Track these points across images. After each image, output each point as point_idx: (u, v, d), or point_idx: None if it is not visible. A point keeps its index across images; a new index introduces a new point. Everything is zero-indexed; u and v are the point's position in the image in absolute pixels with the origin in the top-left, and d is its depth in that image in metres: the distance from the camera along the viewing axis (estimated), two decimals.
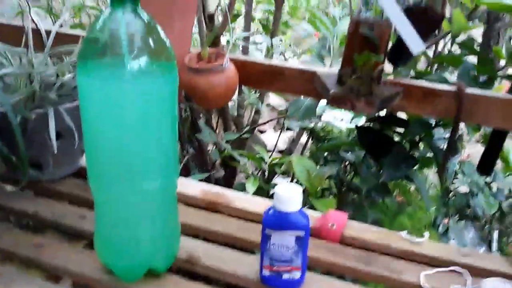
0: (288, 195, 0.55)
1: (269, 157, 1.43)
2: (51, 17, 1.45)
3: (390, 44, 0.69)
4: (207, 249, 0.67)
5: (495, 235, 1.48)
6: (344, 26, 0.84)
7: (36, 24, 0.77)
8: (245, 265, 0.64)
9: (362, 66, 0.61)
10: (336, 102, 0.61)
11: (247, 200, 0.81)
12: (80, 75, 0.50)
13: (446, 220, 1.40)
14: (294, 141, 1.74)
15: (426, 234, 0.73)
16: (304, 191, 1.18)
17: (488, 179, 1.32)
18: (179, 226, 0.64)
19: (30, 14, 0.74)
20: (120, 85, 0.49)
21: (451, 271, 0.66)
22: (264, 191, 1.29)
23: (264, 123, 1.65)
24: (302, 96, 0.88)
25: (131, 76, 0.49)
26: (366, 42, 0.63)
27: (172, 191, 0.60)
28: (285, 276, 0.59)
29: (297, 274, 0.59)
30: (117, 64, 0.49)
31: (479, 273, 0.64)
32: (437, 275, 0.65)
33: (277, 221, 0.56)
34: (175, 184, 0.59)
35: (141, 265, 0.59)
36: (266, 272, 0.59)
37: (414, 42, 0.56)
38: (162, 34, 0.51)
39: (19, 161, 0.66)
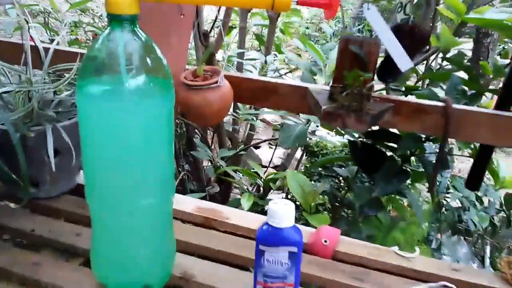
0: (282, 211, 0.56)
1: (264, 173, 1.45)
2: (47, 33, 1.47)
3: (379, 62, 0.71)
4: (202, 266, 0.68)
5: (488, 250, 1.49)
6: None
7: (34, 41, 0.79)
8: (239, 283, 0.64)
9: (352, 83, 0.63)
10: (327, 119, 0.63)
11: (241, 216, 0.82)
12: (79, 93, 0.52)
13: (439, 235, 1.41)
14: (288, 156, 1.76)
15: (417, 249, 0.75)
16: (298, 207, 1.19)
17: (480, 193, 1.34)
18: (174, 244, 0.65)
19: (29, 32, 0.75)
20: (118, 103, 0.51)
21: (442, 286, 0.67)
22: (259, 206, 1.30)
23: (261, 142, 1.67)
24: (291, 119, 0.90)
25: (129, 94, 0.50)
26: (356, 60, 0.65)
27: (168, 209, 0.61)
28: None
29: None
30: (115, 82, 0.50)
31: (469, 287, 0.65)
32: None
33: (270, 236, 0.57)
34: (171, 201, 0.61)
35: (137, 282, 0.60)
36: None
37: (402, 59, 0.58)
38: (159, 53, 0.52)
39: (19, 179, 0.66)
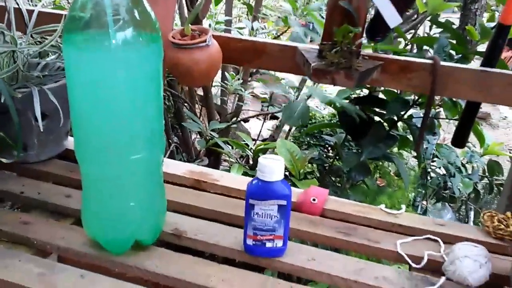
0: (271, 165, 0.57)
1: (254, 144, 1.45)
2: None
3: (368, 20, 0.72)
4: (193, 223, 0.69)
5: (471, 215, 1.53)
6: None
7: (17, 3, 0.77)
8: (230, 237, 0.66)
9: (342, 39, 0.63)
10: (317, 76, 0.63)
11: (232, 178, 0.83)
12: (66, 47, 0.51)
13: (424, 202, 1.45)
14: (277, 128, 1.77)
15: (403, 207, 0.76)
16: (287, 175, 1.21)
17: (464, 161, 1.37)
18: (165, 201, 0.65)
19: None
20: (105, 55, 0.50)
21: (426, 239, 0.69)
22: (248, 176, 1.31)
23: (252, 117, 1.66)
24: (286, 78, 0.90)
25: (116, 47, 0.50)
26: (345, 16, 0.65)
27: (158, 164, 0.61)
28: (268, 244, 0.61)
29: (279, 243, 0.61)
30: (103, 35, 0.50)
31: (453, 240, 0.67)
32: (413, 243, 0.68)
33: (260, 190, 0.58)
34: (160, 156, 0.61)
35: (128, 237, 0.60)
36: (250, 242, 0.61)
37: (391, 15, 0.59)
38: (147, 5, 0.52)
39: (10, 140, 0.66)
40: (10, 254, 0.61)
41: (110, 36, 0.50)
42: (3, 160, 0.70)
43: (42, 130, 0.69)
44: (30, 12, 0.80)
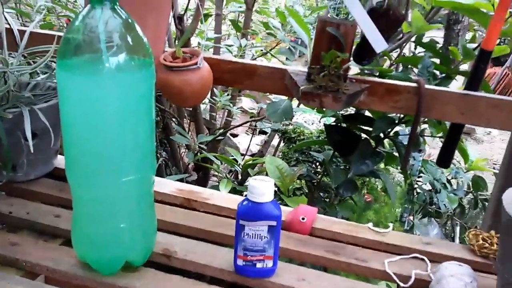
0: (261, 186, 0.58)
1: (242, 160, 1.46)
2: (18, 18, 1.43)
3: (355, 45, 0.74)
4: (183, 243, 0.69)
5: (457, 230, 1.55)
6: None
7: (9, 24, 0.78)
8: (220, 258, 0.66)
9: (330, 64, 0.65)
10: (305, 98, 0.65)
11: (221, 197, 0.83)
12: (60, 71, 0.52)
13: (411, 217, 1.47)
14: (266, 144, 1.78)
15: (391, 225, 0.78)
16: (276, 191, 1.22)
17: (449, 177, 1.39)
18: (155, 221, 0.66)
19: (3, 14, 0.74)
20: (98, 80, 0.51)
21: (413, 257, 0.70)
22: (237, 192, 1.32)
23: (239, 126, 1.68)
24: (274, 97, 0.92)
25: (109, 72, 0.51)
26: (333, 42, 0.67)
27: (149, 186, 0.61)
28: (259, 265, 0.62)
29: (270, 263, 0.62)
30: (96, 60, 0.50)
31: (439, 259, 0.69)
32: (400, 261, 0.69)
33: (250, 211, 0.59)
34: (151, 179, 0.61)
35: (119, 258, 0.60)
36: (240, 262, 0.62)
37: (377, 41, 0.60)
38: (140, 31, 0.53)
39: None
40: None
41: (103, 61, 0.50)
42: None
43: (32, 151, 0.69)
44: (22, 32, 0.80)
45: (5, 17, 0.78)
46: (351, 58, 0.70)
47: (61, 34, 0.85)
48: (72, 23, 0.52)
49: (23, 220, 0.72)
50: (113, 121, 0.53)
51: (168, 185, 0.85)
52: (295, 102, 1.20)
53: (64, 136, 0.56)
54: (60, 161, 0.87)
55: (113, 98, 0.52)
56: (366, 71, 0.90)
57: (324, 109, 0.93)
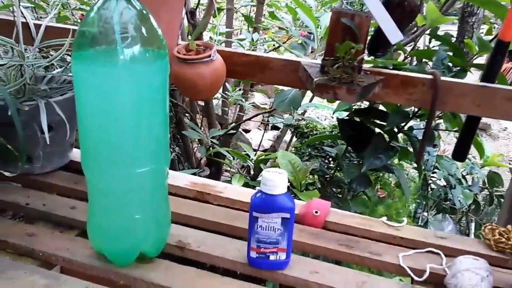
0: (275, 178, 0.58)
1: (255, 155, 1.46)
2: (33, 12, 1.45)
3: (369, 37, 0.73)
4: (197, 235, 0.69)
5: (472, 227, 1.53)
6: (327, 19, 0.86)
7: (25, 17, 0.79)
8: (233, 250, 0.66)
9: (344, 55, 0.64)
10: (319, 90, 0.64)
11: (235, 190, 0.83)
12: (75, 62, 0.52)
13: (425, 214, 1.45)
14: (278, 139, 1.78)
15: (405, 219, 0.77)
16: (289, 186, 1.21)
17: (465, 172, 1.38)
18: (169, 213, 0.66)
19: (19, 7, 0.75)
20: (113, 72, 0.51)
21: (428, 252, 0.69)
22: (249, 187, 1.32)
23: (250, 118, 1.68)
24: (286, 89, 0.92)
25: (124, 63, 0.51)
26: (347, 33, 0.66)
27: (163, 177, 0.62)
28: (272, 257, 0.62)
29: (283, 255, 0.62)
30: (111, 52, 0.51)
31: (454, 253, 0.68)
32: (414, 256, 0.68)
33: (264, 203, 0.59)
34: (166, 170, 0.62)
35: (133, 249, 0.61)
36: (253, 254, 0.62)
37: (392, 32, 0.60)
38: (154, 22, 0.53)
39: (13, 151, 0.66)
40: (15, 266, 0.61)
41: (118, 53, 0.51)
42: (6, 173, 0.71)
43: (48, 143, 0.70)
44: (37, 26, 0.81)
45: (21, 11, 0.79)
46: (366, 50, 0.70)
47: (76, 27, 0.86)
48: (87, 15, 0.52)
49: (39, 211, 0.73)
50: (128, 112, 0.53)
51: (181, 179, 0.85)
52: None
53: (79, 128, 0.57)
54: (75, 154, 0.88)
55: (128, 90, 0.52)
56: (379, 65, 0.89)
57: (337, 101, 0.92)
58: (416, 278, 0.64)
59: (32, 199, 0.75)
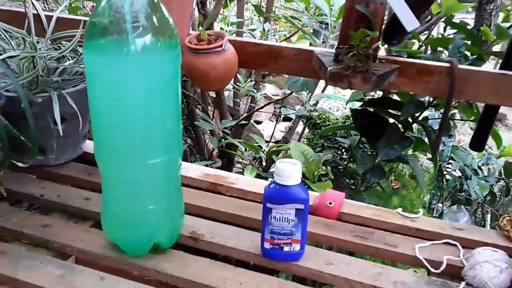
0: (288, 169, 0.57)
1: (267, 146, 1.45)
2: (44, 3, 1.46)
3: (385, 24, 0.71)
4: (210, 226, 0.69)
5: (488, 218, 1.51)
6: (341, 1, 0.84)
7: (36, 9, 0.79)
8: (247, 241, 0.66)
9: (359, 43, 0.63)
10: (333, 80, 0.63)
11: (247, 181, 0.83)
12: (87, 53, 0.52)
13: (440, 205, 1.43)
14: (290, 130, 1.77)
15: (421, 211, 0.76)
16: (302, 178, 1.20)
17: (480, 163, 1.35)
18: (183, 204, 0.66)
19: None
20: (125, 62, 0.51)
21: (444, 243, 0.68)
22: (262, 179, 1.31)
23: (262, 107, 1.66)
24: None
25: (135, 53, 0.50)
26: (362, 20, 0.65)
27: (176, 168, 0.61)
28: (286, 248, 0.61)
29: (297, 247, 0.61)
30: (122, 41, 0.50)
31: (471, 245, 0.67)
32: (431, 247, 0.67)
33: (277, 194, 0.58)
34: (178, 161, 0.61)
35: (147, 240, 0.61)
36: (267, 245, 0.61)
37: (408, 19, 0.58)
38: (165, 12, 0.52)
39: (26, 143, 0.67)
40: (31, 256, 0.62)
41: (130, 42, 0.50)
42: (20, 164, 0.72)
43: (61, 134, 0.70)
44: (49, 18, 0.81)
45: (32, 3, 0.79)
46: (381, 38, 0.68)
47: (87, 18, 0.86)
48: (98, 4, 0.52)
49: (54, 202, 0.73)
50: (140, 102, 0.53)
51: (194, 170, 0.85)
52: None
53: (92, 119, 0.56)
54: (88, 145, 0.88)
55: (140, 80, 0.52)
56: (394, 54, 0.87)
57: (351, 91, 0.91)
58: (433, 270, 0.63)
59: (46, 190, 0.76)
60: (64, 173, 0.82)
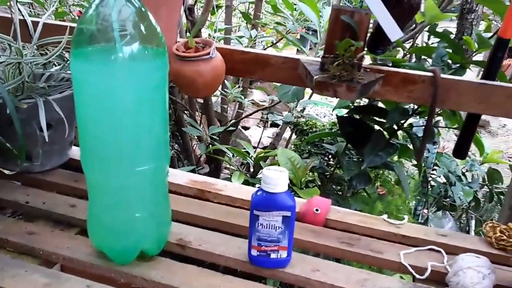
0: (275, 177, 0.58)
1: (254, 152, 1.46)
2: (30, 7, 1.45)
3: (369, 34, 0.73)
4: (197, 233, 0.69)
5: (472, 224, 1.54)
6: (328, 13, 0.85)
7: (23, 15, 0.78)
8: (234, 248, 0.66)
9: (344, 53, 0.64)
10: (319, 88, 0.64)
11: (235, 188, 0.83)
12: (74, 60, 0.52)
13: (425, 211, 1.45)
14: (277, 136, 1.78)
15: (406, 217, 0.77)
16: (289, 184, 1.21)
17: (464, 169, 1.38)
18: (170, 211, 0.66)
19: (17, 4, 0.75)
20: (112, 70, 0.51)
21: (429, 249, 0.69)
22: (249, 184, 1.32)
23: (250, 114, 1.67)
24: None
25: (122, 61, 0.50)
26: (347, 30, 0.66)
27: (163, 176, 0.61)
28: (273, 255, 0.61)
29: (284, 254, 0.62)
30: (110, 49, 0.50)
31: (455, 251, 0.68)
32: (416, 253, 0.68)
33: (264, 201, 0.59)
34: (166, 168, 0.61)
35: (134, 248, 0.61)
36: (254, 252, 0.62)
37: (392, 29, 0.59)
38: (153, 20, 0.53)
39: (12, 149, 0.66)
40: (16, 264, 0.61)
41: (117, 50, 0.50)
42: (6, 171, 0.71)
43: (47, 140, 0.70)
44: (35, 24, 0.81)
45: (18, 8, 0.78)
46: (365, 47, 0.69)
47: (73, 24, 0.85)
48: (86, 12, 0.52)
49: (39, 210, 0.73)
50: (127, 110, 0.53)
51: (181, 176, 0.85)
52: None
53: (79, 126, 0.56)
54: (74, 152, 0.87)
55: (127, 87, 0.52)
56: (379, 62, 0.89)
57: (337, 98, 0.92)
58: (417, 276, 0.64)
59: (32, 197, 0.75)
60: (50, 180, 0.81)
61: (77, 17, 1.57)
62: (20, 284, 0.57)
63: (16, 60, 0.71)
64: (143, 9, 0.52)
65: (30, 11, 1.30)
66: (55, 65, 0.83)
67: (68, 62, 0.80)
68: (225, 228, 0.72)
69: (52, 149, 0.81)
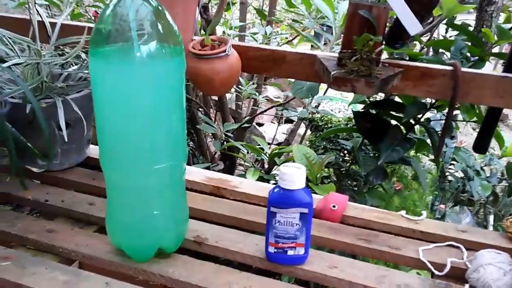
0: (293, 173, 0.58)
1: (269, 148, 1.46)
2: (48, 10, 1.46)
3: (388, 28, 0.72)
4: (214, 230, 0.69)
5: (491, 219, 1.51)
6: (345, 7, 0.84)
7: (41, 16, 0.79)
8: (251, 245, 0.66)
9: (362, 48, 0.63)
10: (337, 84, 0.63)
11: (250, 185, 0.83)
12: (93, 59, 0.53)
13: (442, 206, 1.44)
14: (292, 132, 1.77)
15: (424, 213, 0.76)
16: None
17: (483, 164, 1.35)
18: (187, 208, 0.66)
19: (35, 6, 0.75)
20: (130, 69, 0.51)
21: (448, 245, 0.68)
22: (264, 181, 1.32)
23: (264, 111, 1.67)
24: None
25: (140, 60, 0.51)
26: (365, 25, 0.65)
27: (181, 173, 0.62)
28: (290, 252, 0.61)
29: (301, 250, 0.62)
30: (127, 49, 0.51)
31: (475, 247, 0.67)
32: (435, 249, 0.67)
33: (282, 199, 0.59)
34: (183, 166, 0.62)
35: (152, 245, 0.61)
36: (271, 249, 0.62)
37: (411, 23, 0.59)
38: (170, 19, 0.53)
39: (33, 150, 0.67)
40: (36, 262, 0.62)
41: (135, 49, 0.51)
42: (34, 169, 0.72)
43: (66, 140, 0.71)
44: (53, 25, 0.82)
45: (37, 10, 0.79)
46: (384, 42, 0.68)
47: (91, 25, 0.86)
48: (103, 12, 0.52)
49: (58, 208, 0.74)
50: (145, 108, 0.53)
51: (197, 174, 0.85)
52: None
53: (97, 125, 0.57)
54: (92, 150, 0.88)
55: (145, 86, 0.52)
56: (396, 56, 0.87)
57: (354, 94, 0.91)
58: (436, 272, 0.63)
59: (51, 196, 0.76)
60: (68, 178, 0.82)
61: (93, 18, 1.59)
62: (40, 281, 0.58)
63: (35, 61, 0.72)
64: (160, 8, 0.53)
65: (48, 13, 1.32)
66: (73, 65, 0.84)
67: (85, 61, 0.80)
68: (241, 225, 0.72)
69: (71, 147, 0.82)
